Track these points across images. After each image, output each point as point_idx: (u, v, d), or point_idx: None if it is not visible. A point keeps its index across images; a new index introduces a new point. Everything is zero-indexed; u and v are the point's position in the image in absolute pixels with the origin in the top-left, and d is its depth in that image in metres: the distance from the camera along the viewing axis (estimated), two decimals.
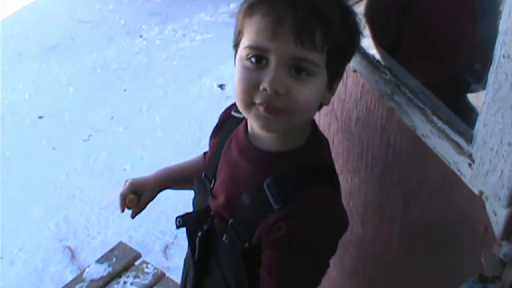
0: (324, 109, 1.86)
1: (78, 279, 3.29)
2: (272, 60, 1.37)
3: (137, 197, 1.88)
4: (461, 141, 1.27)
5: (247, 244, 1.52)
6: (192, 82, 5.46)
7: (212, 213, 1.66)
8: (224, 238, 1.57)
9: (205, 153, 1.92)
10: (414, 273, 1.61)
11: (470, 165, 1.23)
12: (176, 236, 3.83)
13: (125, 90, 5.46)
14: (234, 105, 1.69)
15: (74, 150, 4.74)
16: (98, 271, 3.28)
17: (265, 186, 1.48)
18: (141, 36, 6.29)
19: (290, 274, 1.52)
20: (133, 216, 1.92)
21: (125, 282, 3.29)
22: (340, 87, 1.74)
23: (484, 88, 1.17)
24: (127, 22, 6.56)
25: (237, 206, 1.57)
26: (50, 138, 4.88)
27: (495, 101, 1.12)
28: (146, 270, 3.13)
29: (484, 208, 1.21)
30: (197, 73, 5.58)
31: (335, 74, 1.49)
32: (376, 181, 1.69)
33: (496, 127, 1.13)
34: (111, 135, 4.91)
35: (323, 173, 1.55)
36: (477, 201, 1.24)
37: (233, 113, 1.72)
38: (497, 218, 1.18)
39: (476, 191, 1.23)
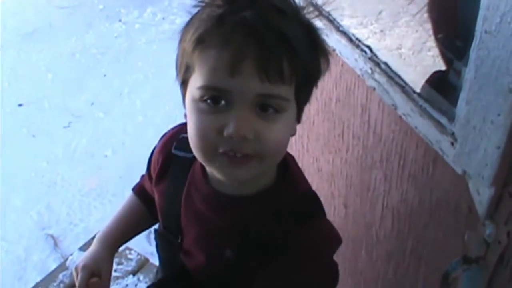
0: None
1: (62, 267, 3.27)
2: (235, 100, 1.17)
3: (98, 279, 1.63)
4: (443, 119, 1.25)
5: None
6: (172, 65, 5.39)
7: (189, 270, 1.51)
8: None
9: (133, 190, 1.76)
10: (396, 254, 1.59)
11: (452, 144, 1.21)
12: None
13: (104, 75, 5.42)
14: (169, 138, 1.54)
15: (55, 137, 4.71)
16: None
17: (251, 239, 1.32)
18: (120, 20, 6.24)
19: None
20: None
21: None
22: None
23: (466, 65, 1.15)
24: (105, 7, 6.51)
25: (222, 263, 1.39)
26: (30, 125, 4.85)
27: (477, 78, 1.09)
28: (129, 256, 3.12)
29: (468, 188, 1.19)
30: None
31: (304, 103, 1.32)
32: (357, 162, 1.67)
33: (479, 105, 1.10)
34: (92, 121, 4.87)
35: (306, 206, 1.38)
36: (460, 181, 1.22)
37: (174, 151, 1.50)
38: (480, 197, 1.16)
39: (459, 171, 1.21)
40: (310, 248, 1.31)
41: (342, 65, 1.60)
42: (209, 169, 1.34)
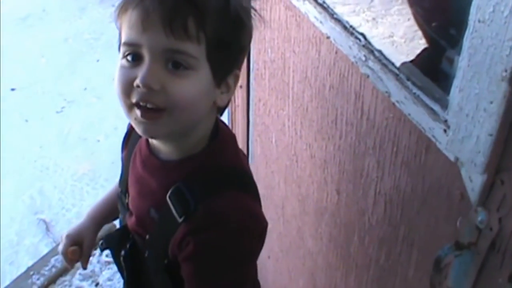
0: (298, 76, 1.85)
1: (54, 251, 3.29)
2: (145, 54, 1.29)
3: (78, 248, 1.75)
4: (436, 107, 1.26)
5: (166, 260, 1.46)
6: None
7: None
8: (146, 255, 1.52)
9: None
10: (388, 240, 1.60)
11: (445, 131, 1.22)
12: None
13: (98, 60, 5.41)
14: None
15: (48, 122, 4.70)
16: None
17: (167, 199, 1.41)
18: (113, 5, 6.13)
19: (212, 286, 1.46)
20: (84, 267, 1.81)
21: (100, 254, 3.28)
22: (314, 54, 1.73)
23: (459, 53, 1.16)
24: None
25: (148, 222, 1.50)
26: (22, 110, 4.83)
27: (471, 66, 1.10)
28: None
29: (460, 174, 1.21)
30: None
31: (222, 69, 1.39)
32: (350, 148, 1.68)
33: (472, 93, 1.11)
34: (84, 106, 4.87)
35: (224, 177, 1.47)
36: (452, 168, 1.23)
37: None
38: (473, 184, 1.17)
39: (451, 158, 1.22)
40: (210, 218, 1.39)
41: (336, 52, 1.61)
42: (131, 123, 1.42)
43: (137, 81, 1.28)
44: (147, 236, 1.51)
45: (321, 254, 2.06)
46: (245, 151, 2.53)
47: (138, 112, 1.32)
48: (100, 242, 1.65)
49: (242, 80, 2.35)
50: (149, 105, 1.31)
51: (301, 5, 1.69)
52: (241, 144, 2.57)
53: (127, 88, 1.32)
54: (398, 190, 1.51)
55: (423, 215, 1.43)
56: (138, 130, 1.38)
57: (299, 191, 2.10)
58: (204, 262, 1.41)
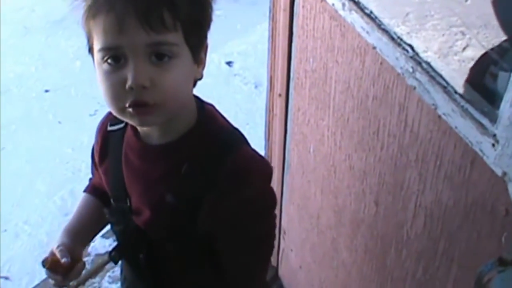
0: (340, 86, 1.85)
1: (83, 253, 3.29)
2: (129, 55, 1.31)
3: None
4: (485, 121, 1.25)
5: (198, 237, 1.51)
6: None
7: (143, 229, 1.59)
8: (172, 246, 1.56)
9: (84, 191, 1.83)
10: (427, 254, 1.60)
11: (493, 145, 1.21)
12: None
13: None
14: (104, 121, 1.69)
15: (80, 124, 4.73)
16: (104, 245, 3.30)
17: (185, 177, 1.45)
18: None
19: (249, 240, 1.54)
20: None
21: None
22: (358, 64, 1.72)
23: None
24: None
25: (166, 210, 1.51)
26: (56, 112, 4.88)
27: None
28: None
29: (506, 189, 1.20)
30: None
31: (197, 47, 1.43)
32: (391, 160, 1.67)
33: None
34: None
35: (229, 137, 1.53)
36: (498, 183, 1.22)
37: (109, 128, 1.64)
38: None
39: (499, 173, 1.21)
40: (237, 175, 1.46)
41: (381, 63, 1.61)
42: (124, 120, 1.49)
43: (129, 83, 1.30)
44: (167, 226, 1.53)
45: (356, 265, 2.05)
46: (281, 160, 2.54)
47: (131, 110, 1.35)
48: (112, 255, 1.65)
49: (281, 89, 2.36)
50: (141, 102, 1.34)
51: (347, 15, 1.69)
52: (277, 152, 2.57)
53: (118, 93, 1.34)
54: (439, 204, 1.50)
55: (465, 230, 1.42)
56: (136, 123, 1.44)
57: (336, 202, 2.09)
58: (240, 219, 1.49)
